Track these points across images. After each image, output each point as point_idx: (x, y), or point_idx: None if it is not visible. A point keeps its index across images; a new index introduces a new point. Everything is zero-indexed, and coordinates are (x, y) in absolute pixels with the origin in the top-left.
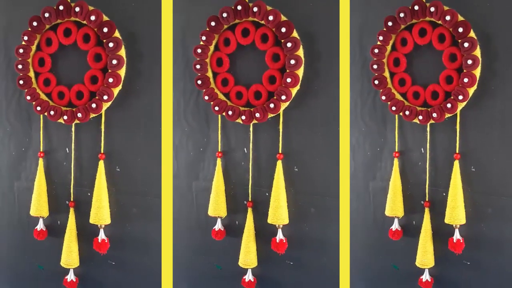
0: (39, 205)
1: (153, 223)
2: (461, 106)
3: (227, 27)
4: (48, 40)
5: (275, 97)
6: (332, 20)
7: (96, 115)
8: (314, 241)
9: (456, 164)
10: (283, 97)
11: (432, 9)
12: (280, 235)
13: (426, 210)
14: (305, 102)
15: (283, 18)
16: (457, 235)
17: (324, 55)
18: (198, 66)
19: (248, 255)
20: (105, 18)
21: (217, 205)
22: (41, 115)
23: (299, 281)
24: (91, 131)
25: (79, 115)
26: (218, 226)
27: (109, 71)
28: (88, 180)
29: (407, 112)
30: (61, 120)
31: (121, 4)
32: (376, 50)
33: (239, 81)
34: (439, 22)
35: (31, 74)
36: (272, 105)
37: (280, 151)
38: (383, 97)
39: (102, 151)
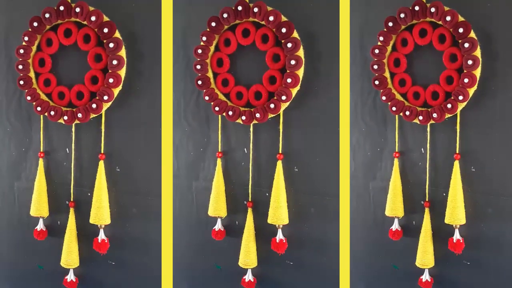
0: (39, 205)
1: (153, 223)
2: (461, 106)
3: (228, 28)
4: (48, 41)
5: (275, 98)
6: (333, 20)
7: (96, 115)
8: (314, 241)
9: (456, 164)
10: (284, 98)
11: (433, 9)
12: (280, 235)
13: (426, 210)
14: (305, 102)
15: (284, 18)
16: (457, 235)
17: (324, 55)
18: (198, 67)
19: (248, 255)
20: (106, 18)
21: (217, 205)
22: (42, 115)
23: (299, 281)
24: (91, 131)
25: (79, 115)
26: (218, 226)
27: (110, 71)
28: (88, 180)
29: (407, 113)
30: (61, 120)
31: (122, 4)
32: (376, 51)
33: (240, 82)
34: (440, 22)
35: (32, 74)
36: (272, 106)
37: (280, 151)
38: (384, 97)
39: (102, 151)
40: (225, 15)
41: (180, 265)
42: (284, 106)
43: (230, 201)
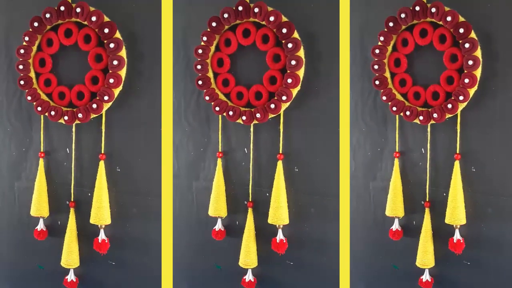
0: (39, 205)
1: (153, 223)
2: (461, 106)
3: (228, 28)
4: (49, 41)
5: (275, 98)
6: (333, 20)
7: (96, 115)
8: (314, 241)
9: (457, 164)
10: (284, 98)
11: (433, 10)
12: (280, 235)
13: (427, 210)
14: (306, 103)
15: (284, 19)
16: (457, 235)
17: (324, 55)
18: (199, 67)
19: (248, 255)
20: (106, 19)
21: (218, 205)
22: (42, 116)
23: (299, 281)
24: (91, 131)
25: (80, 115)
26: (219, 226)
27: (110, 71)
28: (89, 180)
29: (407, 113)
30: (61, 121)
31: (122, 4)
32: (377, 51)
33: (240, 82)
34: (440, 22)
35: (32, 74)
36: (272, 106)
37: (280, 152)
38: (384, 98)
39: (102, 152)
40: (225, 15)
41: (180, 265)
42: (284, 106)
43: (230, 201)
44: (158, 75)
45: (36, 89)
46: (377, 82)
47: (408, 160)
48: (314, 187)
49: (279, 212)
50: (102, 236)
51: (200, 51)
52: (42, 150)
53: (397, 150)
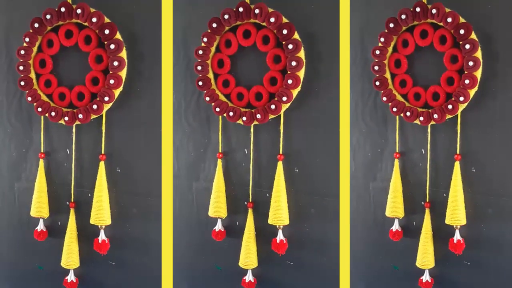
0: (39, 206)
1: (154, 223)
2: (462, 107)
3: (229, 29)
4: (49, 42)
5: (276, 98)
6: (333, 21)
7: (97, 116)
8: (314, 242)
9: (457, 165)
10: (284, 99)
11: (434, 11)
12: (280, 236)
13: (427, 210)
14: (306, 103)
15: (285, 20)
16: (457, 236)
17: (325, 56)
18: (199, 67)
19: (248, 256)
20: (107, 20)
21: (218, 206)
22: (42, 116)
23: (299, 282)
24: (92, 132)
25: (80, 116)
26: (219, 226)
27: (110, 72)
28: (89, 181)
29: (408, 113)
30: (62, 121)
31: (122, 4)
32: (377, 51)
33: (240, 83)
34: (441, 24)
35: (32, 75)
36: (273, 106)
37: (280, 152)
38: (384, 98)
39: (102, 152)
40: (226, 16)
41: (180, 266)
42: (284, 107)
43: (230, 201)
44: (158, 76)
45: (37, 90)
46: (377, 83)
47: (408, 160)
48: (314, 188)
49: (279, 213)
50: (102, 236)
51: (200, 52)
52: (42, 151)
53: (397, 151)
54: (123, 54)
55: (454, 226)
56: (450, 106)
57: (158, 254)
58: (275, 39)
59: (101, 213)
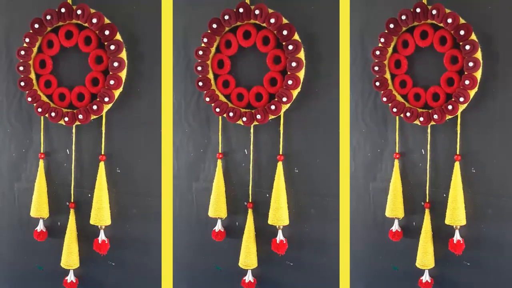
0: (39, 206)
1: (154, 224)
2: (462, 107)
3: (229, 29)
4: (49, 42)
5: (276, 99)
6: (333, 21)
7: (97, 116)
8: (314, 242)
9: (457, 165)
10: (284, 99)
11: (434, 11)
12: (280, 236)
13: (427, 211)
14: (306, 104)
15: (285, 21)
16: (457, 236)
17: (325, 56)
18: (199, 68)
19: (248, 256)
20: (107, 21)
21: (218, 206)
22: (42, 117)
23: (299, 282)
24: (91, 132)
25: (80, 116)
26: (218, 227)
27: (110, 73)
28: (89, 181)
29: (408, 114)
30: (62, 122)
31: (122, 5)
32: (377, 52)
33: (240, 83)
34: (441, 24)
35: (32, 75)
36: (273, 107)
37: (280, 153)
38: (384, 99)
39: (102, 153)
40: (226, 17)
41: (180, 266)
42: (284, 107)
43: (230, 202)
44: (158, 76)
45: (37, 90)
46: (377, 83)
47: (408, 161)
48: (314, 188)
49: (279, 213)
50: (102, 236)
51: (200, 52)
52: (42, 151)
53: (397, 151)
54: (123, 54)
55: (454, 227)
56: (450, 107)
57: (158, 254)
58: (275, 39)
59: (101, 213)
